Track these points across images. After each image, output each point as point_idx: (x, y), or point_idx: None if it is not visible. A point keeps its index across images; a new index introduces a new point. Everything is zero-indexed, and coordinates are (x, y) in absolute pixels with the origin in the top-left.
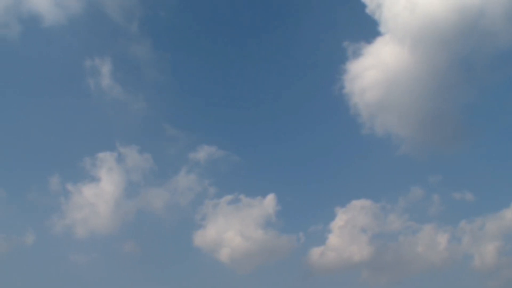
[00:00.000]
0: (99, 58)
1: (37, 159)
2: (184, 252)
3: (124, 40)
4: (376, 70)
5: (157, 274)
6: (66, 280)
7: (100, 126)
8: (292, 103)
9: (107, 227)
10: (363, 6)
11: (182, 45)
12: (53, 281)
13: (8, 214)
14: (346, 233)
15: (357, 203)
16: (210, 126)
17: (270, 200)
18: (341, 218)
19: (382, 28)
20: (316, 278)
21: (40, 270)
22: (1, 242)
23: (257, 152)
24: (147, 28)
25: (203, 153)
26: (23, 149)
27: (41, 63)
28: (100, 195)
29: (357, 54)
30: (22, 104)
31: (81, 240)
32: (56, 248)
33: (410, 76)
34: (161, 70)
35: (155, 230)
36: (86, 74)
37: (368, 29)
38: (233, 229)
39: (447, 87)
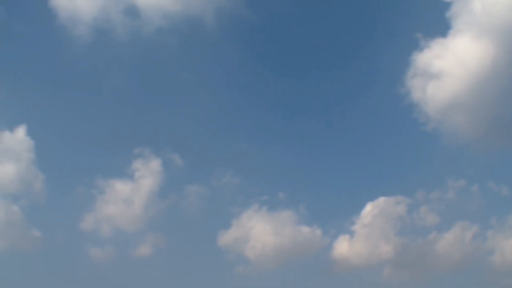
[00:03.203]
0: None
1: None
2: (211, 251)
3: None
4: (449, 65)
5: (182, 270)
6: (97, 276)
7: (139, 125)
8: (351, 95)
9: (136, 224)
10: None
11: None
12: (78, 279)
13: (51, 211)
14: (375, 229)
15: (390, 199)
16: (249, 125)
17: (299, 197)
18: (372, 213)
19: (458, 21)
20: (342, 274)
21: (67, 267)
22: (35, 240)
23: (292, 147)
24: None
25: (240, 152)
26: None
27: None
28: (133, 193)
29: (429, 47)
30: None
31: (109, 237)
32: (82, 245)
33: (485, 74)
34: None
35: (184, 228)
36: None
37: (443, 21)
38: (263, 227)
39: None
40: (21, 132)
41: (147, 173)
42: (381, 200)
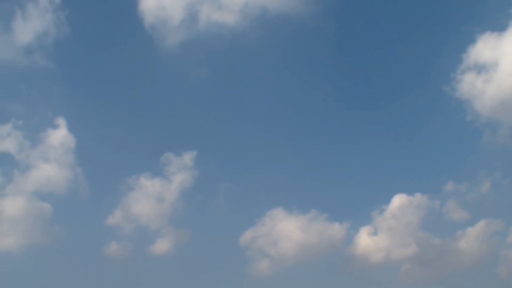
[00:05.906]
0: None
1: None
2: (231, 251)
3: None
4: (505, 60)
5: (205, 266)
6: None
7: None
8: (398, 90)
9: (161, 221)
10: None
11: None
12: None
13: (81, 208)
14: (400, 225)
15: (422, 196)
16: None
17: (327, 194)
18: (398, 209)
19: None
20: (363, 270)
21: (89, 264)
22: (59, 236)
23: (327, 146)
24: None
25: (273, 150)
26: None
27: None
28: (164, 190)
29: (484, 41)
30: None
31: (136, 234)
32: (106, 241)
33: None
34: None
35: (210, 225)
36: None
37: (504, 14)
38: (289, 225)
39: None
40: (62, 129)
41: (181, 170)
42: (415, 195)
